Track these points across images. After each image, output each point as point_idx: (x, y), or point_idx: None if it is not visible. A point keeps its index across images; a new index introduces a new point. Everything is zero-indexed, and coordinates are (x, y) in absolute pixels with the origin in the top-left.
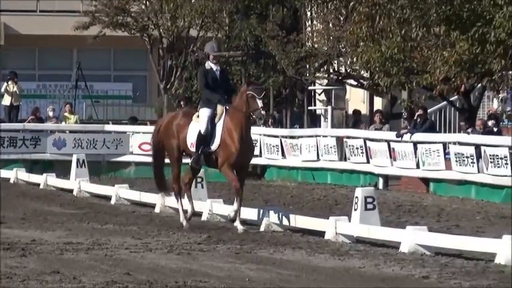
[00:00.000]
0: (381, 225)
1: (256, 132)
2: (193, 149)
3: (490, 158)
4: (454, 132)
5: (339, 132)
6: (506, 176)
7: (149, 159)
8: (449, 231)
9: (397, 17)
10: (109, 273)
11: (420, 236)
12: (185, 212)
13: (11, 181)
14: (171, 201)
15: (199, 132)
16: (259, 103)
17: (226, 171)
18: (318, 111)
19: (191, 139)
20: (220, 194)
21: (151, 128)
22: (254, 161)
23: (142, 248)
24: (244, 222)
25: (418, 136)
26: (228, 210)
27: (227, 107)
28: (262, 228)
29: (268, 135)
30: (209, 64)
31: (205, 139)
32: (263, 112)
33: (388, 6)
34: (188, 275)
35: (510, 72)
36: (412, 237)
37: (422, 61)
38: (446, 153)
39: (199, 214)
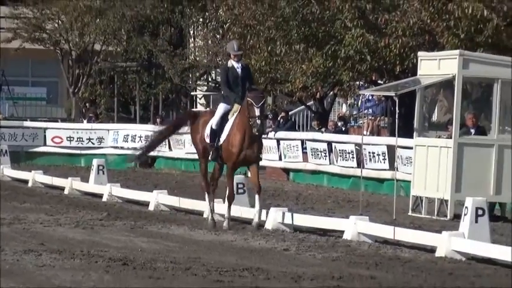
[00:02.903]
0: (249, 207)
1: (147, 129)
2: (208, 141)
3: (340, 153)
4: (310, 131)
5: None
6: (352, 167)
7: (60, 150)
8: (305, 212)
9: (265, 36)
10: (27, 243)
11: (281, 216)
12: (213, 211)
13: None
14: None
15: (211, 126)
16: (257, 111)
17: (228, 175)
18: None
19: (207, 131)
20: (118, 179)
21: (62, 125)
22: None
23: (54, 223)
24: (137, 203)
25: (281, 134)
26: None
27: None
28: (151, 208)
29: None
30: (231, 62)
31: (215, 133)
32: (258, 121)
33: (258, 27)
34: (91, 246)
35: (356, 82)
36: (274, 217)
37: (285, 72)
38: (303, 148)
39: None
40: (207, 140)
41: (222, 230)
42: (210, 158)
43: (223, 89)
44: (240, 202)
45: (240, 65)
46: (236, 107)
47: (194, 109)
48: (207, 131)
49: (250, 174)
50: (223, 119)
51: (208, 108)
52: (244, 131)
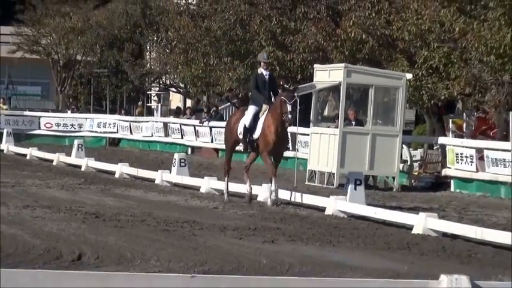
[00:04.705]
0: (189, 176)
1: (115, 118)
2: (241, 136)
3: None
4: None
5: (165, 119)
6: None
7: (50, 133)
8: (231, 180)
9: (202, 51)
10: (25, 201)
11: (212, 183)
12: (227, 191)
13: None
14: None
15: (244, 124)
16: (288, 107)
17: (265, 158)
18: (152, 107)
19: (240, 129)
20: (93, 154)
21: (52, 114)
22: (113, 135)
23: (45, 186)
24: (106, 172)
25: (213, 123)
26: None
27: (270, 106)
28: (117, 176)
29: (123, 120)
30: (260, 70)
31: (248, 130)
32: (290, 116)
33: (197, 45)
34: (72, 203)
35: None
36: (207, 183)
37: (216, 78)
38: None
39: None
40: (240, 136)
41: (168, 193)
42: (242, 149)
43: (253, 91)
44: (182, 173)
45: (267, 72)
46: (265, 107)
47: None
48: (240, 128)
49: (273, 161)
50: (255, 118)
51: (241, 108)
52: (276, 125)
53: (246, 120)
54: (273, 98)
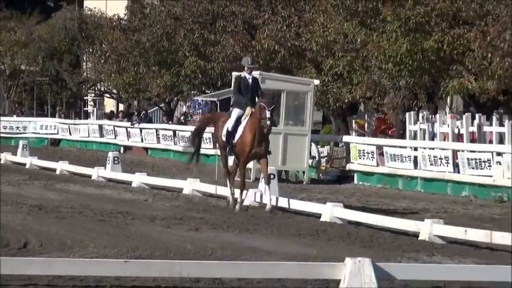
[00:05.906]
0: (122, 172)
1: (55, 121)
2: (224, 139)
3: (181, 137)
4: (162, 123)
5: (100, 122)
6: (189, 147)
7: (3, 135)
8: (159, 176)
9: (132, 61)
10: None
11: (143, 178)
12: (232, 193)
13: None
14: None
15: (227, 128)
16: (267, 114)
17: (241, 165)
18: (89, 110)
19: (224, 132)
20: (36, 153)
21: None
22: (54, 136)
23: None
24: (48, 169)
25: (143, 125)
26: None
27: (253, 110)
28: (58, 172)
29: (62, 123)
30: (244, 74)
31: (230, 133)
32: (268, 122)
33: (128, 55)
34: (18, 197)
35: (192, 91)
36: (138, 179)
37: (146, 85)
38: (157, 134)
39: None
40: (223, 139)
41: (103, 187)
42: (226, 153)
43: (236, 95)
44: (116, 169)
45: (251, 76)
46: (248, 110)
47: (211, 113)
48: (224, 131)
49: (261, 167)
50: (237, 122)
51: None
52: (254, 132)
53: (229, 123)
54: (256, 99)
